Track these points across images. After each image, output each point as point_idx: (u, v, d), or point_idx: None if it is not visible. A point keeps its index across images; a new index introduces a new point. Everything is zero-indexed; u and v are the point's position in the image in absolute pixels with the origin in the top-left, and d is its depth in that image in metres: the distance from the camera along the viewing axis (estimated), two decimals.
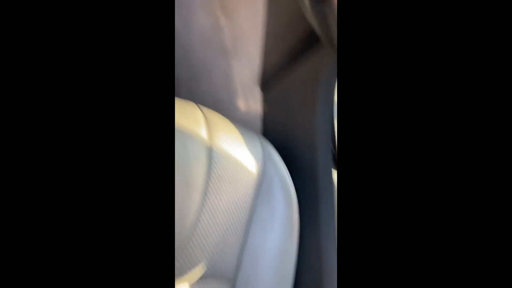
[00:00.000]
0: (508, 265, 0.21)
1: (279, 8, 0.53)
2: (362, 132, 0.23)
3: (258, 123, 0.70)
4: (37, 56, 0.22)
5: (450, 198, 0.22)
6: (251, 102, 0.70)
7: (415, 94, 0.23)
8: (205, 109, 0.48)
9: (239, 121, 0.71)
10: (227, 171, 0.45)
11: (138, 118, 0.24)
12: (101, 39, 0.23)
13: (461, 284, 0.21)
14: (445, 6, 0.22)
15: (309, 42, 0.52)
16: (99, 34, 0.23)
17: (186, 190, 0.41)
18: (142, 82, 0.24)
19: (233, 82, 0.71)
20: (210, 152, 0.44)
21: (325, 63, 0.51)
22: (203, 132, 0.45)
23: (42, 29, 0.22)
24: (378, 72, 0.23)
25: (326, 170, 0.53)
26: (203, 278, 0.43)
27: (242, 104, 0.72)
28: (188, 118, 0.45)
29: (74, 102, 0.23)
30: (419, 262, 0.22)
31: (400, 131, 0.23)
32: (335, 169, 0.55)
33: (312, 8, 0.39)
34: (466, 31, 0.22)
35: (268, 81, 0.65)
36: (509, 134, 0.21)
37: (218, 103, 0.75)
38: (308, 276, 0.53)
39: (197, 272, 0.42)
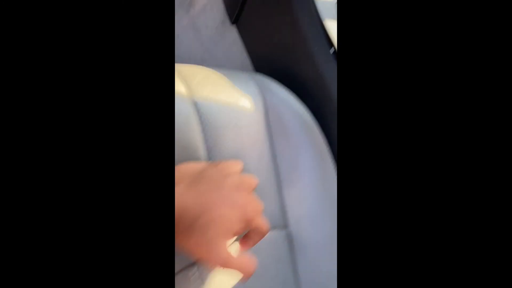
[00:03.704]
0: (507, 265, 0.21)
1: None
2: (362, 130, 0.24)
3: (246, 59, 0.65)
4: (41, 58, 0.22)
5: (446, 190, 0.22)
6: (228, 41, 0.66)
7: (414, 93, 0.23)
8: (177, 65, 0.44)
9: (223, 66, 0.67)
10: (220, 117, 0.41)
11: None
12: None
13: (457, 279, 0.22)
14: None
15: None
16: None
17: (186, 153, 0.38)
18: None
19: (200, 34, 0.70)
20: (195, 105, 0.40)
21: None
22: (180, 87, 0.40)
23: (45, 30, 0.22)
24: (379, 69, 0.23)
25: (327, 66, 0.49)
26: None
27: (219, 48, 0.69)
28: None
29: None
30: (418, 258, 0.23)
31: (399, 130, 0.23)
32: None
33: None
34: (465, 31, 0.22)
35: (236, 14, 0.62)
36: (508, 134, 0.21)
37: (190, 60, 0.72)
38: None
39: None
